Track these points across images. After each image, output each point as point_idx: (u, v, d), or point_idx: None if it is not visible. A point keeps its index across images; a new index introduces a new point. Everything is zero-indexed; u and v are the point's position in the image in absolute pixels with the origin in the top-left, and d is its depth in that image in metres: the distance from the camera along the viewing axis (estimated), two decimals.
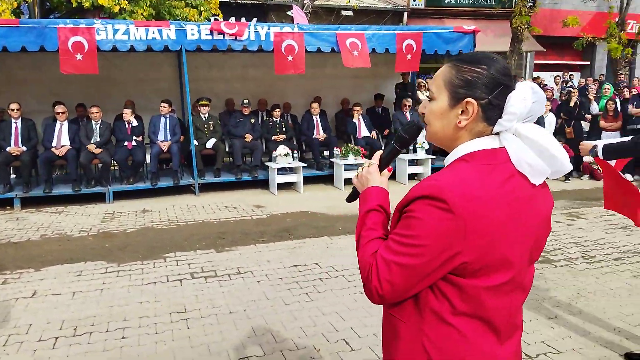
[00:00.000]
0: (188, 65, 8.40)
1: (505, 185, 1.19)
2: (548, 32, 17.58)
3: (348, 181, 8.94)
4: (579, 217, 6.80)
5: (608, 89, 11.08)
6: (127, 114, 8.40)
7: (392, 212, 1.31)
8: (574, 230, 6.20)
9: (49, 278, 4.78)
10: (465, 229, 1.13)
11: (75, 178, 7.97)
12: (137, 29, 7.84)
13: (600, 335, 3.55)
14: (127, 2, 10.79)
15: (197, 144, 8.63)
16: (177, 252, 5.51)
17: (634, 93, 10.06)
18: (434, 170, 9.45)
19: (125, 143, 8.28)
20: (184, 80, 8.72)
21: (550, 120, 9.71)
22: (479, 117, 1.24)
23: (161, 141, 8.46)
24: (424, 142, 9.13)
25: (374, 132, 9.93)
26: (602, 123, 10.01)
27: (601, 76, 17.54)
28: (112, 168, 8.47)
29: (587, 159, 8.77)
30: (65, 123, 8.10)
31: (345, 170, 8.79)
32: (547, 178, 1.26)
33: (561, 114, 10.04)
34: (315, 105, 9.71)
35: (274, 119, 9.51)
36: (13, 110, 7.78)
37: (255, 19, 8.72)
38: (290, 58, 8.46)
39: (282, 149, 8.56)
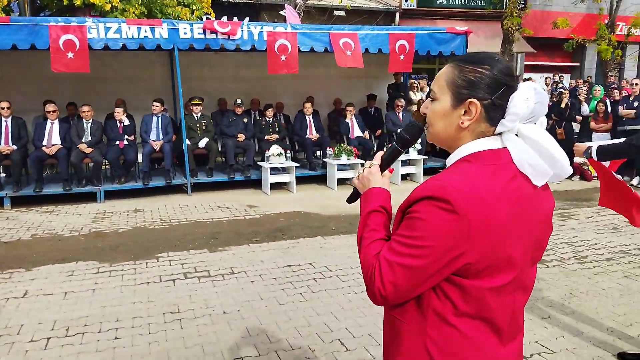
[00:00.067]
0: (180, 65, 8.36)
1: (508, 185, 1.19)
2: (538, 33, 17.68)
3: (341, 181, 8.96)
4: (570, 218, 6.84)
5: (598, 90, 11.16)
6: (119, 113, 8.34)
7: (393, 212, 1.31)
8: (565, 231, 6.24)
9: (40, 278, 4.74)
10: (470, 229, 1.13)
11: (66, 177, 7.90)
12: (129, 27, 7.79)
13: (593, 335, 3.57)
14: (118, 1, 10.72)
15: (189, 143, 8.59)
16: (170, 252, 5.48)
17: (624, 94, 10.14)
18: (426, 170, 9.49)
19: (117, 142, 8.22)
20: (176, 80, 8.67)
21: (542, 121, 9.73)
22: (481, 118, 1.24)
23: (153, 140, 8.41)
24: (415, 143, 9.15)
25: (366, 133, 9.94)
26: (592, 124, 10.08)
27: (589, 78, 17.66)
28: (103, 167, 8.41)
29: (578, 159, 8.82)
30: (56, 122, 8.03)
31: (338, 170, 8.80)
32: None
33: (552, 115, 10.10)
34: (308, 105, 9.71)
35: (267, 119, 9.49)
36: (3, 108, 7.71)
37: (247, 19, 8.70)
38: (283, 58, 8.45)
39: (275, 149, 8.55)
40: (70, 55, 7.43)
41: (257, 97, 10.36)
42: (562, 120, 10.05)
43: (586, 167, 9.38)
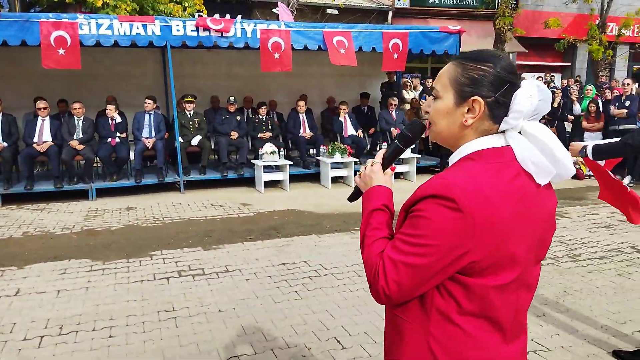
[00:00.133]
0: (172, 62, 8.31)
1: (512, 183, 1.19)
2: (530, 33, 17.77)
3: (335, 179, 8.95)
4: (563, 217, 6.88)
5: (590, 90, 11.23)
6: (111, 110, 8.28)
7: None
8: (558, 229, 6.27)
9: (33, 276, 4.69)
10: (474, 227, 1.12)
11: (58, 175, 7.83)
12: (121, 24, 7.73)
13: (588, 332, 3.59)
14: None
15: (182, 141, 8.55)
16: (164, 250, 5.45)
17: (615, 94, 10.21)
18: (419, 169, 9.50)
19: (109, 139, 8.16)
20: (168, 77, 8.62)
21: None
22: (485, 116, 1.24)
23: (145, 138, 8.35)
24: None
25: (360, 131, 9.94)
26: (584, 124, 10.15)
27: (578, 77, 17.77)
28: (95, 165, 8.35)
29: (573, 159, 8.86)
30: (47, 119, 7.95)
31: (331, 168, 8.79)
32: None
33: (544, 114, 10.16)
34: (301, 103, 9.69)
35: (260, 117, 9.46)
36: None
37: (240, 16, 8.66)
38: (276, 55, 8.42)
39: (269, 147, 8.52)
40: (61, 51, 7.36)
41: (250, 94, 10.33)
42: (554, 120, 10.11)
43: (578, 166, 9.44)
